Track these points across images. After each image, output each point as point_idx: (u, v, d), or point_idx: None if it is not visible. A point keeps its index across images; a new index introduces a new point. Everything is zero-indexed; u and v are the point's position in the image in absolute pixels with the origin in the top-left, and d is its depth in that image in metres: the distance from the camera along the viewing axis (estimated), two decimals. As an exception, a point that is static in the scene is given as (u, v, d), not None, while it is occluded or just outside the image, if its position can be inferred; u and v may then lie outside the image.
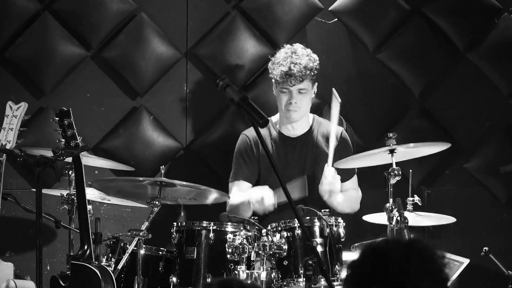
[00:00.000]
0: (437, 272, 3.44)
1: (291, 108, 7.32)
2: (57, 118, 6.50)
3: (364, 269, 3.49)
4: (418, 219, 6.88)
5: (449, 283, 7.14)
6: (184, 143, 8.17)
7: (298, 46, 7.48)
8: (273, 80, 7.44)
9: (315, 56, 7.42)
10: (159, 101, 8.22)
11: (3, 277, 6.67)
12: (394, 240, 3.66)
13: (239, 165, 7.59)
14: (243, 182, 7.45)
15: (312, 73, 7.34)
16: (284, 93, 7.33)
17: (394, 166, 6.65)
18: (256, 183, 7.55)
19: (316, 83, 7.43)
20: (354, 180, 7.65)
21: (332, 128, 7.36)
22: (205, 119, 8.30)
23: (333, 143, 7.33)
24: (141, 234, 6.63)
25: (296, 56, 7.36)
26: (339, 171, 7.36)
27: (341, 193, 7.43)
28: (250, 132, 7.55)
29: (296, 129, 7.48)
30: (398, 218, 6.49)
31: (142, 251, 6.68)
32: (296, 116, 7.38)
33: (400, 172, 6.63)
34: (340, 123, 7.79)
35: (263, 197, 7.21)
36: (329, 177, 7.22)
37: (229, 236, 6.69)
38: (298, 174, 7.38)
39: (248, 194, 7.37)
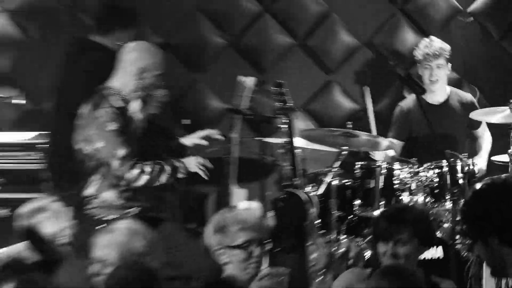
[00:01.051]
0: None
1: (433, 79, 7.41)
2: (275, 88, 6.75)
3: (470, 209, 3.73)
4: None
5: None
6: (363, 105, 8.14)
7: (433, 37, 7.56)
8: (418, 62, 7.50)
9: (446, 44, 7.45)
10: (346, 75, 8.28)
11: (239, 200, 7.10)
12: (491, 184, 3.85)
13: (394, 127, 7.68)
14: (393, 140, 7.41)
15: (445, 53, 7.42)
16: (426, 69, 7.39)
17: None
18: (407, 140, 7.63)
19: (450, 64, 7.47)
20: (484, 126, 7.66)
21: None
22: (380, 89, 8.26)
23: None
24: (334, 170, 6.89)
25: (432, 41, 7.46)
26: (473, 121, 7.49)
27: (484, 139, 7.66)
28: (404, 103, 7.67)
29: (436, 98, 7.54)
30: None
31: (334, 182, 6.87)
32: (436, 86, 7.46)
33: None
34: (473, 93, 7.92)
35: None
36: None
37: (396, 171, 6.87)
38: (445, 129, 7.41)
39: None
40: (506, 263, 3.63)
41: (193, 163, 6.12)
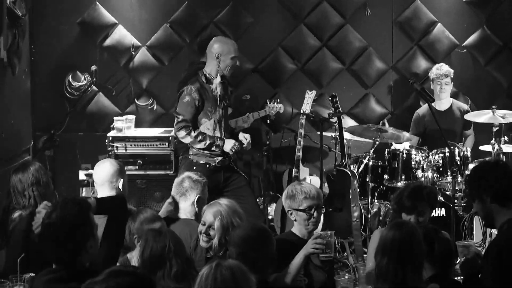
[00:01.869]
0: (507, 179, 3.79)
1: (442, 93, 7.46)
2: (330, 98, 7.00)
3: (471, 177, 4.03)
4: (506, 147, 6.90)
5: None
6: (390, 110, 8.29)
7: (442, 63, 7.62)
8: (431, 80, 7.53)
9: (451, 69, 7.51)
10: (379, 90, 8.24)
11: (304, 175, 7.06)
12: (486, 162, 4.33)
13: (413, 127, 7.62)
14: (412, 135, 7.42)
15: (451, 74, 7.46)
16: (438, 84, 7.45)
17: (496, 123, 6.86)
18: (421, 136, 7.54)
19: (453, 82, 7.56)
20: (472, 128, 7.64)
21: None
22: (402, 99, 8.26)
23: None
24: (369, 155, 7.03)
25: (442, 66, 7.50)
26: (467, 123, 7.48)
27: (470, 137, 7.58)
28: (419, 110, 7.64)
29: (443, 106, 7.56)
30: (497, 148, 6.79)
31: (370, 163, 7.01)
32: (443, 96, 7.49)
33: (497, 125, 6.87)
34: (466, 101, 7.94)
35: None
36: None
37: (413, 156, 7.02)
38: (447, 127, 7.28)
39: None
40: (495, 217, 3.81)
41: (229, 146, 6.07)
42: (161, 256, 3.77)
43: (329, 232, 4.38)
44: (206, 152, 6.12)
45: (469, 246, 4.07)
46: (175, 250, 3.81)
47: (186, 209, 5.07)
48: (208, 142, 6.02)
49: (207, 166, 6.14)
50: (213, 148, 6.08)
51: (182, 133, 6.04)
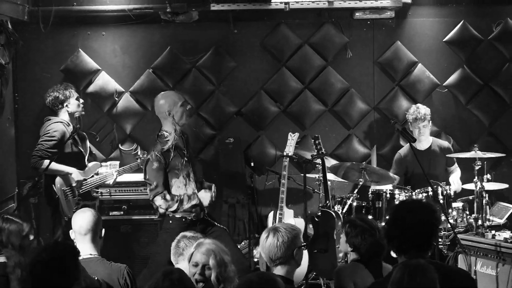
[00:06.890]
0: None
1: (421, 136, 7.48)
2: (313, 139, 7.01)
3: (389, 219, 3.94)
4: (488, 185, 6.82)
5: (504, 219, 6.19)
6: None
7: (419, 105, 7.58)
8: (409, 123, 7.55)
9: (428, 109, 7.50)
10: (362, 129, 8.25)
11: (288, 217, 7.04)
12: (402, 210, 3.98)
13: (394, 167, 7.64)
14: (393, 174, 7.33)
15: (428, 116, 7.46)
16: (415, 128, 7.45)
17: (477, 160, 6.77)
18: (404, 175, 7.51)
19: (431, 121, 7.55)
20: (456, 164, 7.60)
21: None
22: (385, 139, 8.30)
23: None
24: (353, 196, 7.02)
25: (419, 108, 7.46)
26: (449, 160, 7.47)
27: (456, 180, 7.47)
28: (401, 151, 7.68)
29: (423, 145, 7.58)
30: (480, 186, 6.67)
31: (354, 203, 7.02)
32: (423, 138, 7.52)
33: (479, 163, 6.78)
34: (448, 140, 7.96)
35: None
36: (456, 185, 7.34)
37: (397, 196, 6.96)
38: (428, 167, 7.35)
39: None
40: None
41: (207, 201, 6.18)
42: None
43: None
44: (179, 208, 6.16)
45: None
46: None
47: (186, 270, 4.77)
48: (185, 203, 6.07)
49: (183, 219, 6.16)
50: (193, 204, 6.12)
51: (158, 199, 6.02)
